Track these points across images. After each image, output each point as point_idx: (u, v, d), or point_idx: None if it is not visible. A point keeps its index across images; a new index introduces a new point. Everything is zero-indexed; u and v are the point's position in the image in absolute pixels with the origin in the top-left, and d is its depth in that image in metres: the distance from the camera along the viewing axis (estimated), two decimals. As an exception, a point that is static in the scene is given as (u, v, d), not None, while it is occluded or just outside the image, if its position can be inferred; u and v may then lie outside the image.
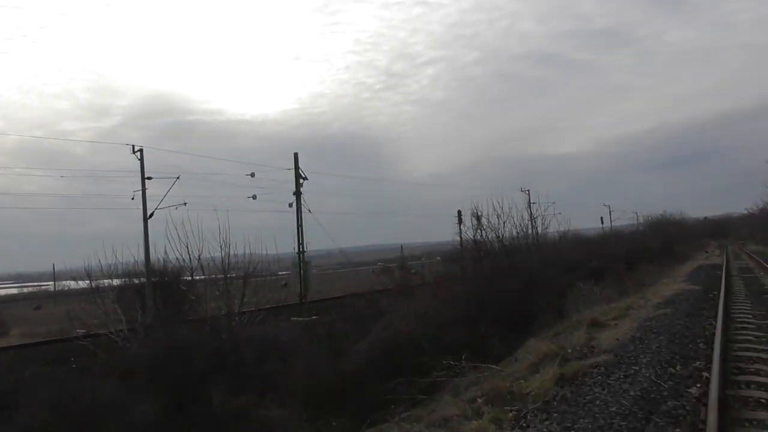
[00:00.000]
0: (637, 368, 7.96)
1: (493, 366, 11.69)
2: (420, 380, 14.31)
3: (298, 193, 30.13)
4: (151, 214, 28.40)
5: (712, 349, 8.63)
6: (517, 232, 32.05)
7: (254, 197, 29.81)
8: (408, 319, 17.95)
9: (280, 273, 31.04)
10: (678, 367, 7.88)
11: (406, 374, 15.17)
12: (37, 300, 69.79)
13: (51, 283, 79.86)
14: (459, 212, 39.28)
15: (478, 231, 33.00)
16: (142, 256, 27.62)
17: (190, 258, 24.20)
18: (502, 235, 32.05)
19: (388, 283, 32.33)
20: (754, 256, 38.48)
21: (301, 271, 29.94)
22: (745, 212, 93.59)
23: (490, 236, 32.37)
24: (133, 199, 28.84)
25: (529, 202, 52.29)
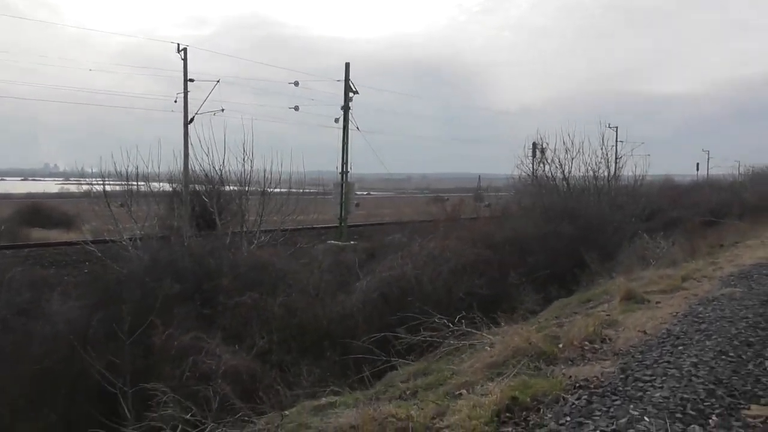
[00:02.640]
0: (637, 411, 4.41)
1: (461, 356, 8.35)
2: (404, 338, 11.20)
3: (346, 108, 26.84)
4: (191, 119, 26.19)
5: (787, 385, 4.92)
6: (587, 170, 27.49)
7: (296, 108, 26.83)
8: (416, 259, 14.67)
9: (322, 194, 28.33)
10: (712, 425, 4.26)
11: (399, 326, 12.14)
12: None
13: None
14: (534, 144, 34.55)
15: (541, 165, 28.74)
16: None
17: (219, 169, 22.00)
18: (569, 173, 27.63)
19: (439, 214, 29.04)
20: None
21: (343, 193, 27.06)
22: None
23: (554, 172, 28.07)
24: (176, 101, 26.71)
25: (616, 140, 46.59)
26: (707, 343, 6.28)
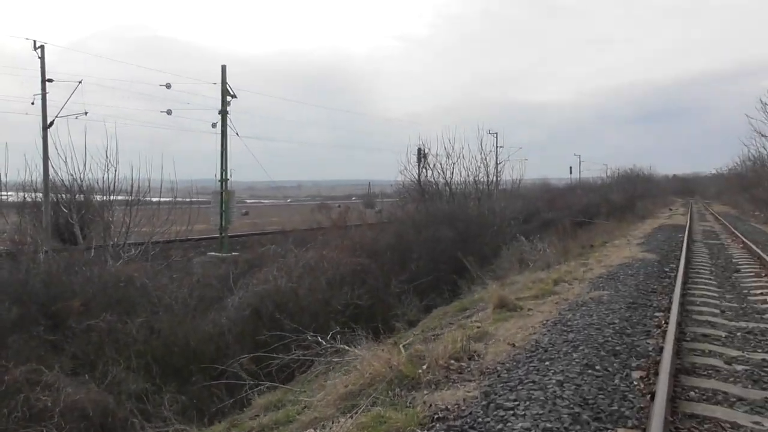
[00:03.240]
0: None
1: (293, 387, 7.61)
2: (276, 358, 10.27)
3: (223, 112, 25.38)
4: (51, 123, 23.64)
5: (652, 401, 4.57)
6: (468, 175, 27.79)
7: (169, 112, 25.12)
8: (292, 271, 13.75)
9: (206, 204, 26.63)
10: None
11: (273, 343, 11.18)
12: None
13: None
14: (419, 150, 34.38)
15: (424, 170, 28.76)
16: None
17: (79, 177, 19.93)
18: (451, 178, 27.82)
19: (325, 221, 28.22)
20: (720, 218, 34.72)
21: (223, 202, 25.55)
22: (714, 172, 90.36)
23: (437, 178, 28.17)
24: (33, 104, 24.00)
25: (496, 146, 47.95)
26: (574, 355, 5.91)
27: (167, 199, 21.18)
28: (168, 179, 21.99)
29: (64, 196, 20.96)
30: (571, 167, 79.88)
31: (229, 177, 25.99)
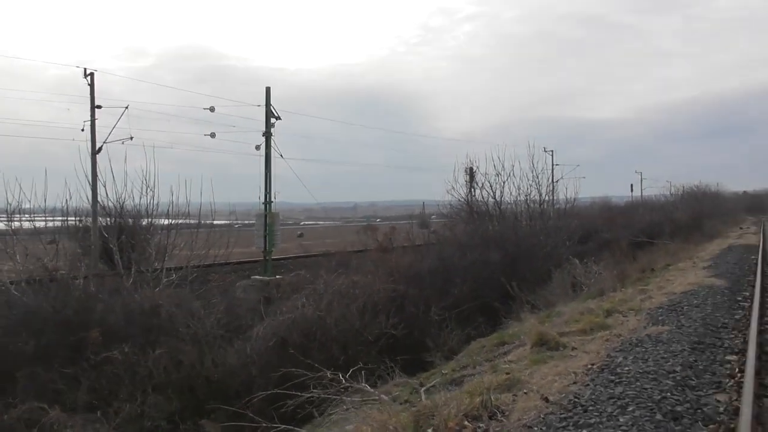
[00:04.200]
0: None
1: None
2: (296, 396, 9.25)
3: (267, 134, 24.89)
4: (99, 149, 23.83)
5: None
6: (519, 194, 26.21)
7: (213, 135, 24.89)
8: (321, 299, 12.75)
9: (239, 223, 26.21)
10: None
11: (295, 377, 10.16)
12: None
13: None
14: (471, 169, 32.84)
15: (471, 189, 27.41)
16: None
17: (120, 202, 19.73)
18: (500, 197, 26.34)
19: (370, 243, 27.29)
20: (797, 237, 31.64)
21: (267, 224, 25.01)
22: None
23: (486, 197, 26.75)
24: (83, 130, 24.26)
25: (552, 164, 46.06)
26: (621, 420, 4.61)
27: (221, 222, 20.79)
28: (224, 202, 21.62)
29: (107, 220, 20.81)
30: (632, 185, 76.31)
31: (273, 199, 25.47)
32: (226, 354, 12.30)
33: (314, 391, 8.91)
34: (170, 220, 19.41)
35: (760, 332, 7.80)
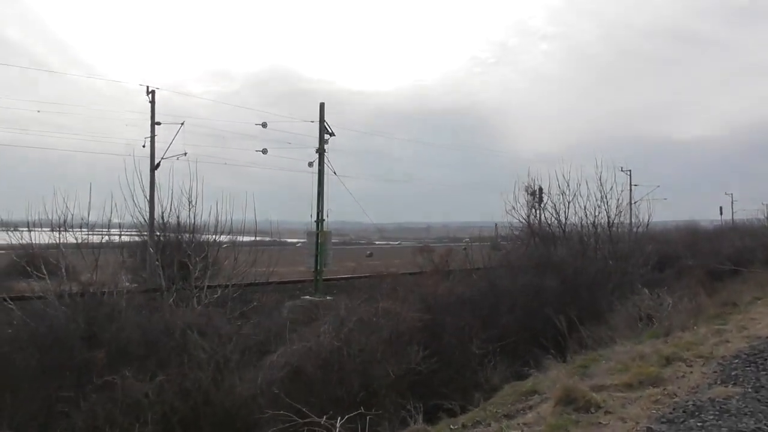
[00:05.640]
0: None
1: None
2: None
3: (321, 151, 24.09)
4: (158, 165, 23.84)
5: None
6: (586, 216, 23.89)
7: (264, 151, 24.37)
8: (341, 327, 11.37)
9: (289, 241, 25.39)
10: None
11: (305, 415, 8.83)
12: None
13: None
14: (540, 189, 30.53)
15: (533, 210, 25.33)
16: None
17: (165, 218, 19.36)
18: (565, 219, 24.14)
19: (425, 264, 25.72)
20: None
21: (318, 243, 24.07)
22: None
23: (550, 218, 24.63)
24: (144, 146, 24.43)
25: (630, 184, 42.78)
26: None
27: (248, 239, 20.10)
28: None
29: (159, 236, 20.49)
30: (721, 207, 70.38)
31: (325, 217, 24.56)
32: (239, 382, 11.18)
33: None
34: (216, 236, 18.76)
35: None
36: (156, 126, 23.63)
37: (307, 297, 23.85)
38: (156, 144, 24.08)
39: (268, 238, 26.96)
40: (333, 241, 30.17)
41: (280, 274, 25.20)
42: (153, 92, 23.74)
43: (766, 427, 4.85)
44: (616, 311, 15.07)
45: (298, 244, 30.74)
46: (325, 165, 23.98)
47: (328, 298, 23.32)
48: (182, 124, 23.60)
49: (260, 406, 10.42)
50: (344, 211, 29.12)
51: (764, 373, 6.82)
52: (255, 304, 18.67)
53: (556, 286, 16.68)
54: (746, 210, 72.91)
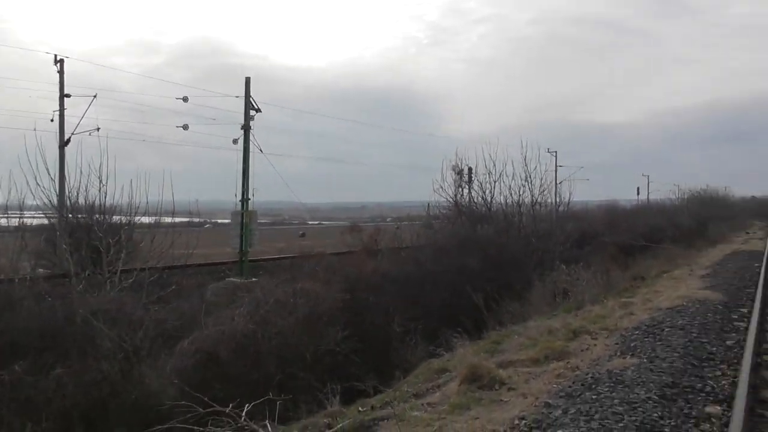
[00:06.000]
0: None
1: None
2: None
3: (246, 127, 23.20)
4: (68, 141, 22.23)
5: None
6: (511, 196, 24.32)
7: (185, 127, 23.29)
8: (258, 309, 11.00)
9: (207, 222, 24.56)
10: None
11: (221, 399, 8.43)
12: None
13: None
14: (469, 169, 30.43)
15: (460, 189, 25.56)
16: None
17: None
18: (491, 198, 24.51)
19: (355, 244, 25.54)
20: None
21: (243, 223, 23.36)
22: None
23: (476, 198, 24.94)
24: (52, 121, 22.65)
25: (556, 166, 43.97)
26: None
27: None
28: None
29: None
30: (638, 188, 73.92)
31: (251, 197, 23.79)
32: (151, 371, 10.62)
33: (210, 428, 7.20)
34: (127, 218, 17.77)
35: (754, 367, 5.96)
36: (66, 99, 21.98)
37: (232, 279, 23.15)
38: (70, 119, 22.53)
39: (197, 219, 25.90)
40: (265, 221, 29.43)
41: (208, 256, 24.36)
42: (61, 61, 21.99)
43: (656, 397, 4.94)
44: (534, 287, 15.41)
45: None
46: (250, 142, 23.15)
47: (253, 279, 22.72)
48: (94, 96, 22.08)
49: (169, 396, 9.96)
50: (279, 191, 28.33)
51: (660, 343, 7.04)
52: (173, 287, 17.88)
53: (479, 264, 16.85)
54: (660, 191, 76.96)
